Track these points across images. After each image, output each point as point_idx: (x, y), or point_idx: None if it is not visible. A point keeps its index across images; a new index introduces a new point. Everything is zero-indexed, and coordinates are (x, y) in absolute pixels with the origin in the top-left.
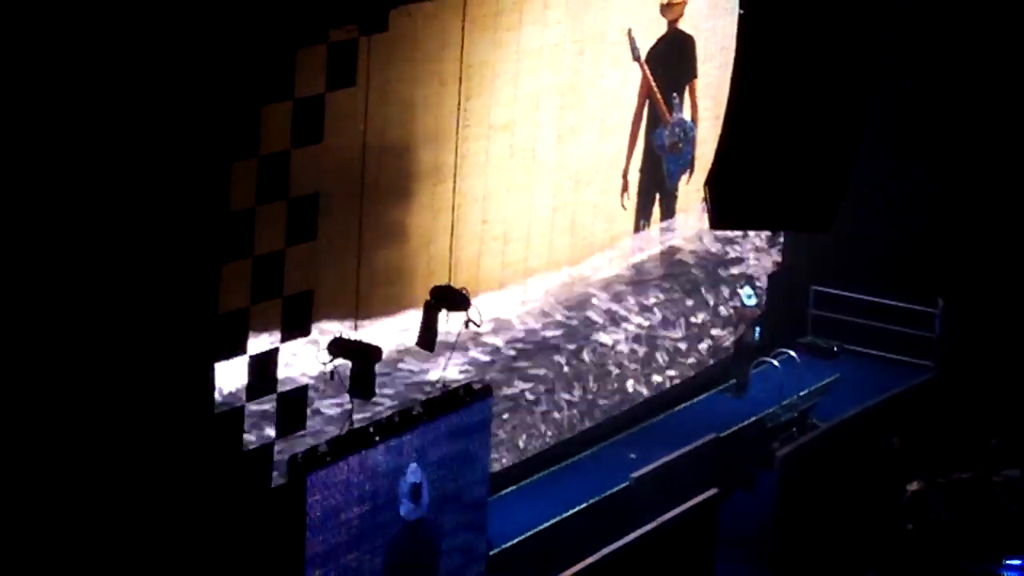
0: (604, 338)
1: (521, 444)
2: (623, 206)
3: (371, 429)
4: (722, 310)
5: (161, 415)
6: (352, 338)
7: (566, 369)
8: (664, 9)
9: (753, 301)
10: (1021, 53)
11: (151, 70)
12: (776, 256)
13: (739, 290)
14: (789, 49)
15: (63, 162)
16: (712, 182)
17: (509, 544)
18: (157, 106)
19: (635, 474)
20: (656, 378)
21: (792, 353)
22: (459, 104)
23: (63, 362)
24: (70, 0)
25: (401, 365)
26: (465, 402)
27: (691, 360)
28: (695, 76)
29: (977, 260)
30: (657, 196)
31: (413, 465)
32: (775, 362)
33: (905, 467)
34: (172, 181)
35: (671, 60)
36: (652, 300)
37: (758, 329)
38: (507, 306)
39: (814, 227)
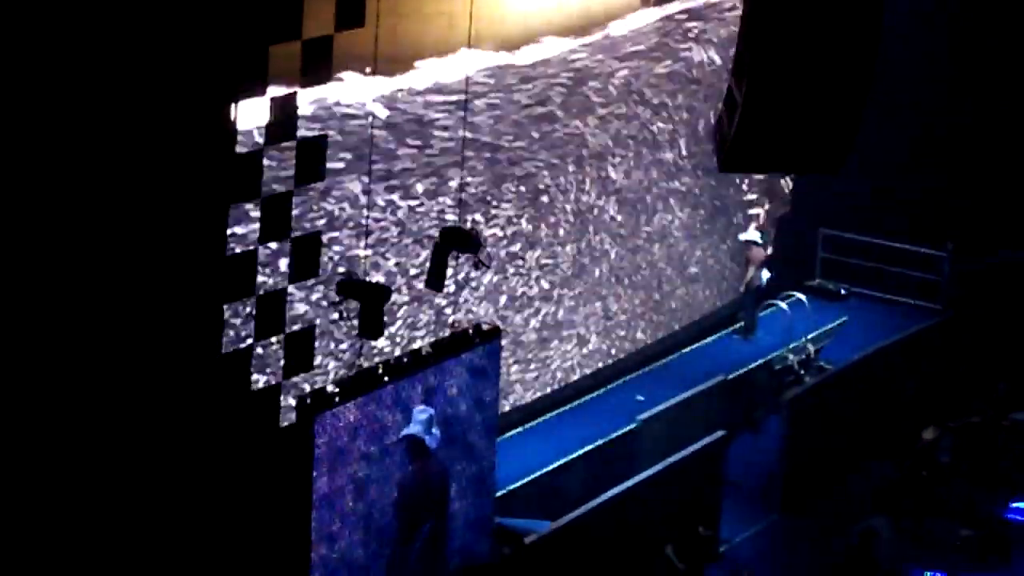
0: None
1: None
2: None
3: (379, 369)
4: None
5: (169, 357)
6: (360, 278)
7: None
8: None
9: (760, 242)
10: None
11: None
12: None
13: (744, 233)
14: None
15: (69, 101)
16: (720, 125)
17: (516, 485)
18: (161, 45)
19: (642, 416)
20: None
21: (800, 296)
22: None
23: (74, 305)
24: None
25: None
26: (474, 342)
27: None
28: None
29: (986, 203)
30: None
31: (422, 405)
32: (783, 304)
33: (917, 413)
34: (178, 122)
35: None
36: None
37: (766, 271)
38: None
39: (824, 170)
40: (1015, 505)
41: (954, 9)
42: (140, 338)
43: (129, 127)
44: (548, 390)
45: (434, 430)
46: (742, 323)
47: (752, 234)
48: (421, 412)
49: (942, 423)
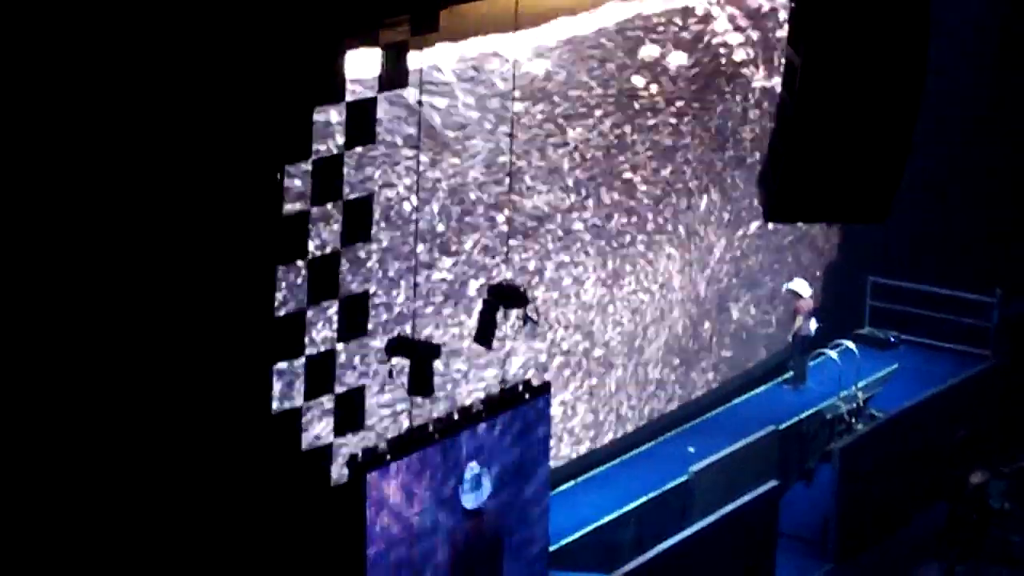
0: None
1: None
2: None
3: (430, 427)
4: None
5: (220, 417)
6: (410, 336)
7: None
8: None
9: (808, 292)
10: None
11: (205, 73)
12: None
13: (790, 284)
14: (842, 37)
15: (116, 163)
16: (765, 176)
17: (570, 539)
18: (212, 109)
19: (694, 468)
20: None
21: (850, 344)
22: None
23: (125, 364)
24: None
25: None
26: (524, 399)
27: None
28: None
29: None
30: None
31: (472, 463)
32: (833, 354)
33: (968, 458)
34: (227, 183)
35: None
36: None
37: (814, 321)
38: None
39: (870, 218)
40: None
41: (995, 45)
42: (192, 399)
43: (182, 189)
44: (597, 444)
45: (484, 484)
46: (791, 373)
47: (798, 283)
48: (472, 468)
49: (992, 467)
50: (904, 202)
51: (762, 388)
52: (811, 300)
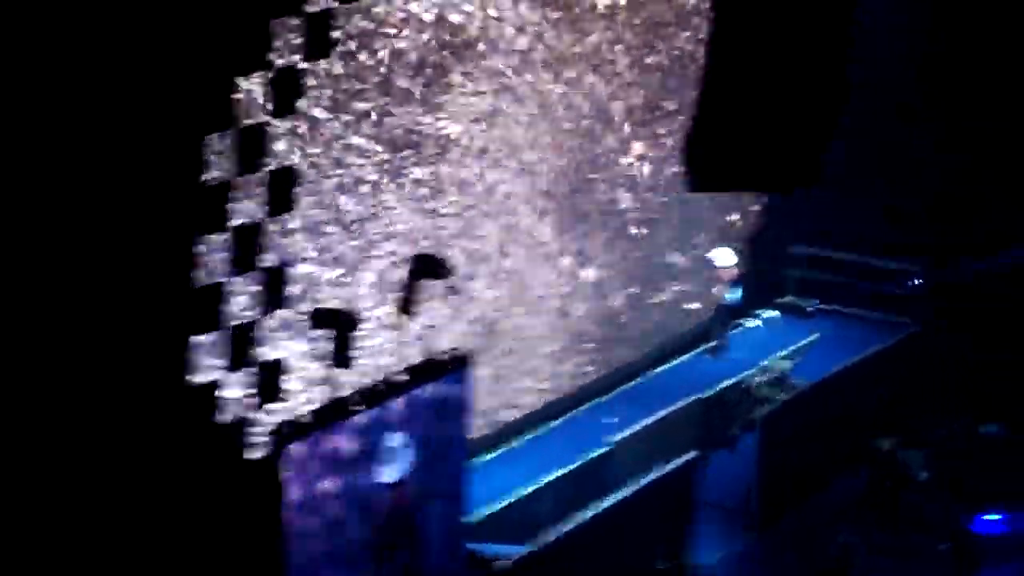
0: None
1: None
2: None
3: (352, 398)
4: None
5: (138, 390)
6: (332, 307)
7: None
8: None
9: (731, 261)
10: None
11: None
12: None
13: (713, 252)
14: (767, 10)
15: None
16: (688, 146)
17: (490, 511)
18: (131, 78)
19: (615, 438)
20: None
21: (772, 313)
22: None
23: (41, 335)
24: None
25: None
26: (445, 370)
27: None
28: None
29: (955, 217)
30: None
31: (396, 433)
32: (755, 322)
33: (887, 425)
34: (145, 153)
35: None
36: None
37: (739, 289)
38: None
39: (795, 188)
40: (984, 518)
41: (926, 18)
42: (110, 371)
43: (101, 158)
44: (519, 414)
45: (404, 457)
46: (714, 342)
47: (720, 252)
48: (391, 440)
49: (909, 435)
50: (828, 171)
51: (684, 357)
52: (734, 269)
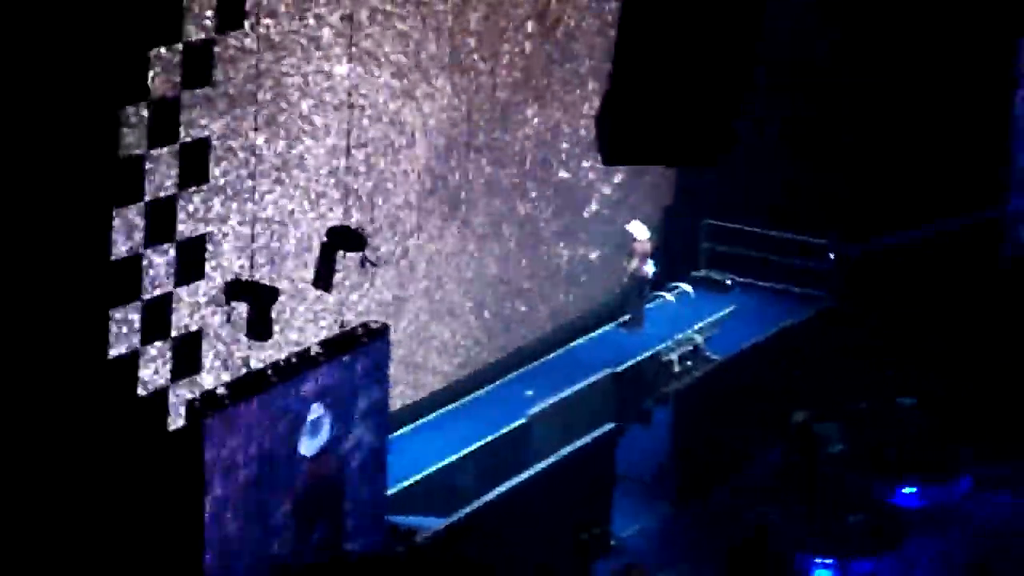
0: None
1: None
2: None
3: (269, 371)
4: None
5: (55, 362)
6: (248, 279)
7: None
8: None
9: (644, 234)
10: None
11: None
12: None
13: (627, 226)
14: None
15: None
16: (602, 119)
17: (408, 483)
18: (46, 52)
19: (532, 411)
20: None
21: (686, 287)
22: None
23: None
24: None
25: None
26: (363, 342)
27: None
28: None
29: (868, 192)
30: None
31: (314, 405)
32: (670, 296)
33: (802, 399)
34: (61, 126)
35: None
36: None
37: (651, 263)
38: None
39: (705, 162)
40: (903, 491)
41: None
42: (26, 343)
43: (11, 131)
44: (434, 388)
45: (323, 429)
46: (628, 316)
47: (635, 225)
48: (311, 413)
49: (823, 408)
50: (740, 146)
51: (599, 331)
52: (648, 242)
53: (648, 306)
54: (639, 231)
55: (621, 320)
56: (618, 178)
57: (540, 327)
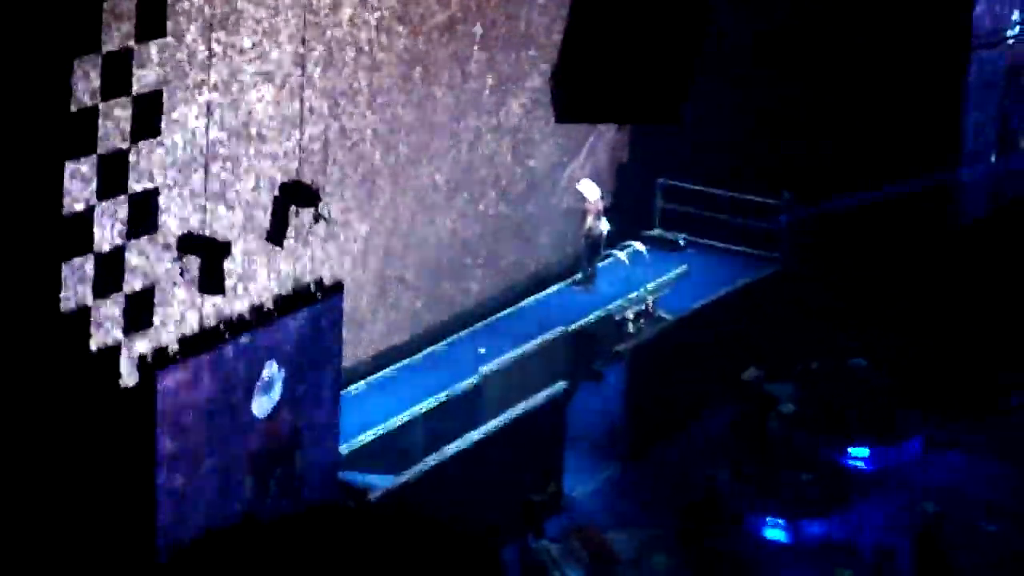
0: None
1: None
2: None
3: (221, 326)
4: None
5: (7, 316)
6: (201, 233)
7: None
8: None
9: (596, 194)
10: None
11: None
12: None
13: (577, 185)
14: None
15: None
16: (557, 75)
17: (360, 440)
18: None
19: (484, 369)
20: None
21: (640, 246)
22: None
23: None
24: None
25: None
26: (316, 298)
27: None
28: None
29: (821, 153)
30: None
31: (267, 362)
32: (623, 255)
33: (753, 359)
34: (9, 80)
35: None
36: None
37: (605, 221)
38: None
39: (661, 120)
40: (854, 451)
41: None
42: None
43: None
44: (386, 346)
45: (276, 386)
46: (581, 274)
47: (586, 184)
48: (264, 369)
49: (780, 369)
50: (696, 103)
51: (552, 289)
52: (600, 201)
53: (601, 265)
54: (590, 190)
55: (573, 279)
56: (573, 136)
57: (493, 285)
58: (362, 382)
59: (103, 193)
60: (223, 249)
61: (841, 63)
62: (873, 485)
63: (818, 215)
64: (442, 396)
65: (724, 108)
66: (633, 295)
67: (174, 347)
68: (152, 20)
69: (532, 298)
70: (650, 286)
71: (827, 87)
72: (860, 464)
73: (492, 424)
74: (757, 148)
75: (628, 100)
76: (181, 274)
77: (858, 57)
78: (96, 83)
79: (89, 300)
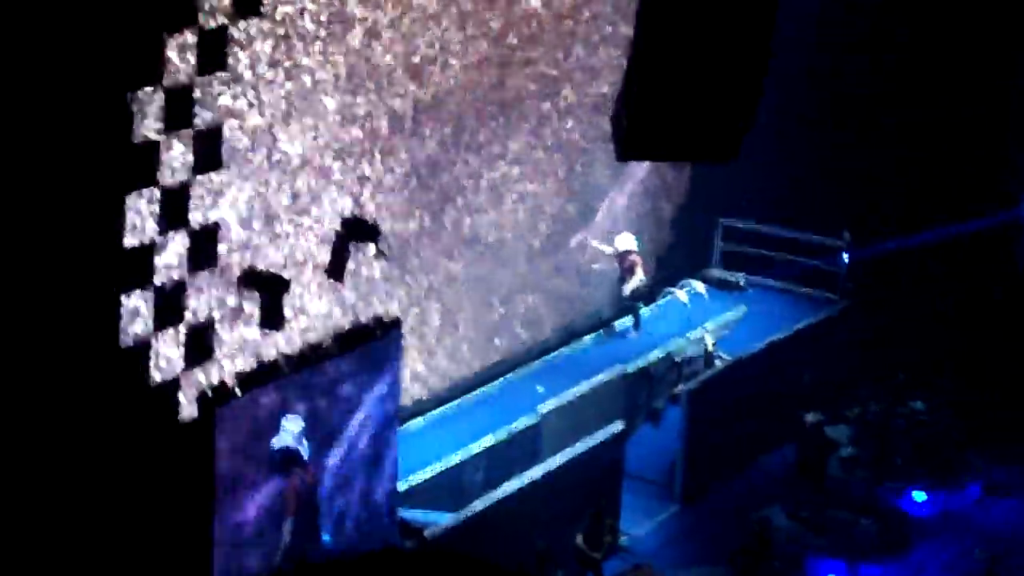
0: None
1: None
2: None
3: (280, 362)
4: None
5: (68, 350)
6: (261, 269)
7: None
8: None
9: (633, 245)
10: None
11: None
12: None
13: (617, 242)
14: None
15: None
16: (618, 114)
17: (419, 478)
18: (53, 38)
19: (543, 408)
20: None
21: (699, 286)
22: None
23: None
24: None
25: None
26: (375, 335)
27: None
28: None
29: (882, 192)
30: None
31: (291, 416)
32: (682, 294)
33: (813, 401)
34: (74, 113)
35: None
36: None
37: (641, 273)
38: None
39: (720, 158)
40: (913, 495)
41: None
42: (39, 331)
43: (24, 119)
44: (446, 382)
45: (296, 438)
46: (633, 324)
47: (624, 237)
48: (292, 422)
49: (834, 410)
50: (756, 144)
51: (612, 328)
52: (636, 255)
53: (660, 303)
54: (626, 243)
55: (626, 321)
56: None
57: (553, 325)
58: (420, 419)
59: (164, 226)
60: (283, 284)
61: (903, 101)
62: (931, 529)
63: (879, 255)
64: (501, 434)
65: (785, 147)
66: (692, 335)
67: (232, 382)
68: (213, 54)
69: (590, 336)
70: (709, 326)
71: (889, 125)
72: (919, 508)
73: (550, 463)
74: (817, 188)
75: (689, 137)
76: (243, 308)
77: (920, 95)
78: (158, 116)
79: (149, 334)
